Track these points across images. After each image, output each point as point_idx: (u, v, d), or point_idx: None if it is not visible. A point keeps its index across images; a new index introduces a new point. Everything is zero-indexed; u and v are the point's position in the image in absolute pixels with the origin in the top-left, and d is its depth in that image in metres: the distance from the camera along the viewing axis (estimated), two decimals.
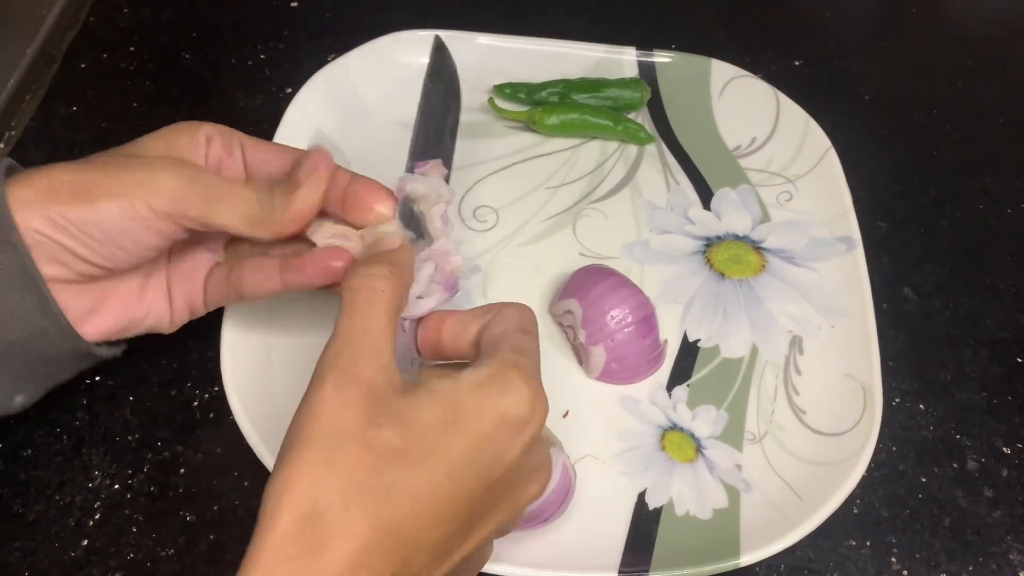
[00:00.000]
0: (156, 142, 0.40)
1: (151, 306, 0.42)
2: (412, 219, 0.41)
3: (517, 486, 0.33)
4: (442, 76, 0.49)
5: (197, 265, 0.43)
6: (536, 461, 0.34)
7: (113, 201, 0.36)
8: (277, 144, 0.43)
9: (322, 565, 0.27)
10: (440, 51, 0.50)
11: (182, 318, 0.43)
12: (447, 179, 0.43)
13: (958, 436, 0.49)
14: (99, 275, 0.39)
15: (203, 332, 0.48)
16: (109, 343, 0.42)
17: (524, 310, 0.37)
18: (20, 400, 0.40)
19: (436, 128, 0.45)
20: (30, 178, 0.37)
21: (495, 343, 0.35)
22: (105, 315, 0.40)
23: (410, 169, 0.42)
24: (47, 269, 0.37)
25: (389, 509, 0.28)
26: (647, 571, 0.41)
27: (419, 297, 0.38)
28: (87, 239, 0.36)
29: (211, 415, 0.47)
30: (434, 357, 0.38)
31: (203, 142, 0.41)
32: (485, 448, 0.31)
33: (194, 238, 0.42)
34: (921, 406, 0.50)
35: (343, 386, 0.30)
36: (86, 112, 0.59)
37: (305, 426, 0.30)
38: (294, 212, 0.39)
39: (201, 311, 0.44)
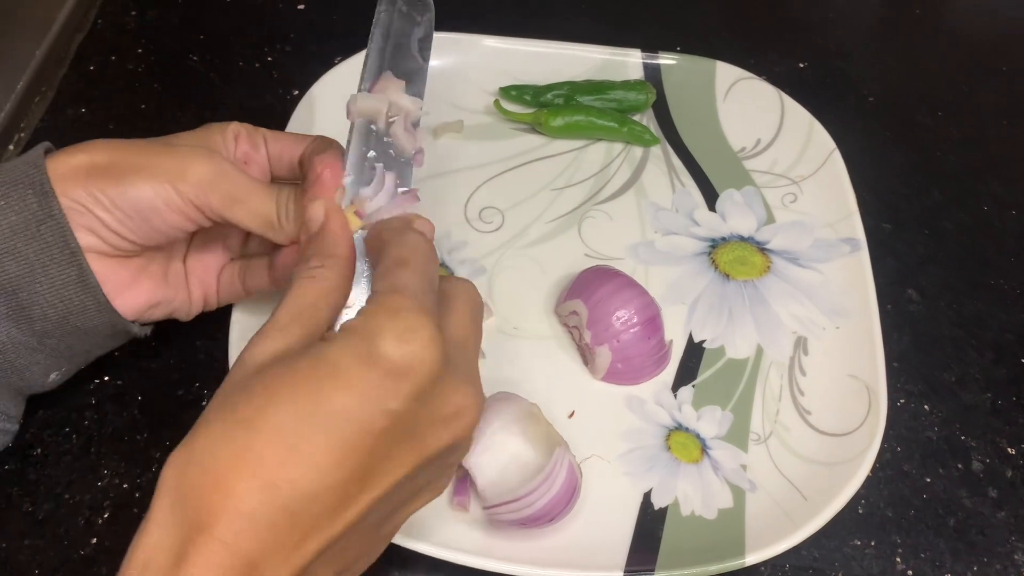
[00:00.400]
0: (192, 136, 0.41)
1: (175, 291, 0.43)
2: (372, 138, 0.40)
3: (418, 434, 0.31)
4: None
5: (213, 258, 0.45)
6: (445, 408, 0.32)
7: (145, 182, 0.38)
8: (293, 134, 0.44)
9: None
10: None
11: (197, 308, 0.45)
12: (418, 92, 0.42)
13: (963, 437, 0.49)
14: (130, 250, 0.40)
15: (210, 332, 0.49)
16: (140, 327, 0.43)
17: (411, 240, 0.35)
18: (55, 377, 0.42)
19: (395, 45, 0.44)
20: (70, 155, 0.38)
21: (377, 279, 0.34)
22: (137, 291, 0.41)
23: (366, 79, 0.41)
24: (83, 238, 0.38)
25: (264, 468, 0.28)
26: (652, 570, 0.41)
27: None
28: (120, 213, 0.38)
29: None
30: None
31: (231, 139, 0.42)
32: (364, 395, 0.29)
33: (213, 231, 0.43)
34: (926, 407, 0.50)
35: (266, 341, 0.32)
36: (94, 114, 0.59)
37: (232, 373, 0.31)
38: (300, 223, 0.39)
39: (213, 305, 0.45)
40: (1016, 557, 0.45)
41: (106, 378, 0.48)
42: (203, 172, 0.38)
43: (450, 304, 0.35)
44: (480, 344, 0.36)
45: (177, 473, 0.28)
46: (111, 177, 0.38)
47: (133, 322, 0.42)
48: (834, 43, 0.67)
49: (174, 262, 0.44)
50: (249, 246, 0.46)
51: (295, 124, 0.54)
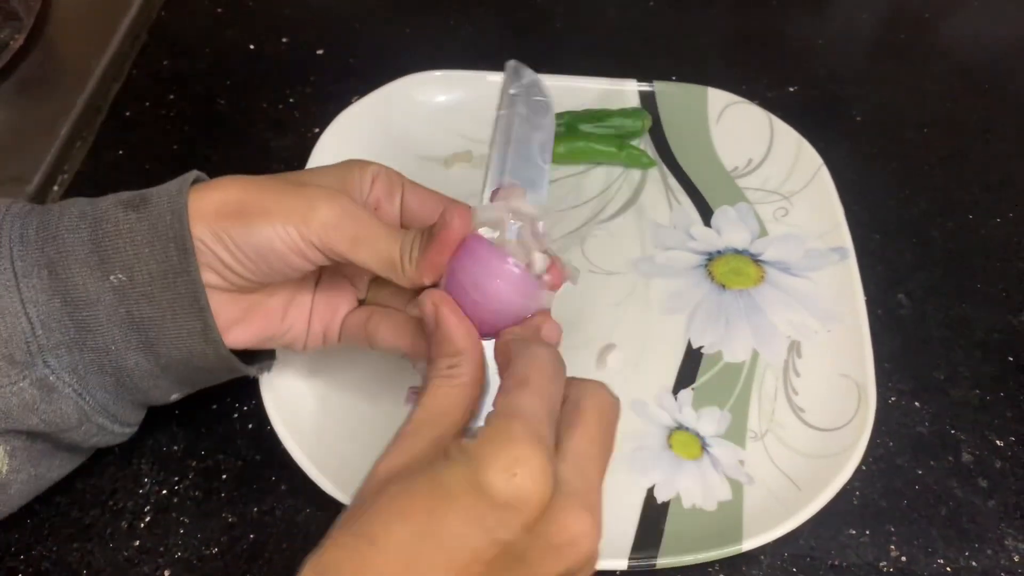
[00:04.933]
0: (328, 174, 0.42)
1: (292, 326, 0.44)
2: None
3: (528, 561, 0.31)
4: (518, 98, 0.47)
5: (341, 297, 0.45)
6: (559, 537, 0.31)
7: (269, 224, 0.38)
8: (432, 192, 0.44)
9: None
10: (515, 73, 0.48)
11: (316, 344, 0.45)
12: (540, 199, 0.43)
13: (953, 431, 0.52)
14: (250, 288, 0.41)
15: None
16: (260, 364, 0.46)
17: (535, 353, 0.35)
18: (175, 396, 0.45)
19: (516, 151, 0.45)
20: (205, 194, 0.40)
21: (498, 397, 0.34)
22: (248, 326, 0.43)
23: (488, 187, 0.42)
24: (205, 275, 0.40)
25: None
26: (655, 557, 0.44)
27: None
28: (240, 254, 0.39)
29: (250, 426, 0.50)
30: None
31: (369, 180, 0.43)
32: (468, 526, 0.30)
33: (341, 269, 0.44)
34: (916, 404, 0.53)
35: (392, 455, 0.33)
36: (131, 156, 0.63)
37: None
38: (424, 267, 0.39)
39: (335, 343, 0.46)
40: (1006, 542, 0.47)
41: None
42: (328, 215, 0.39)
43: (578, 416, 0.34)
44: (609, 459, 0.34)
45: None
46: (239, 218, 0.39)
47: (251, 364, 0.45)
48: (823, 68, 0.71)
49: (299, 297, 0.44)
50: (382, 293, 0.45)
51: (315, 160, 0.58)
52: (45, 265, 0.39)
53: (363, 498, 0.32)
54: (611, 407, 0.35)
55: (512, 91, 0.47)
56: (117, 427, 0.44)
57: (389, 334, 0.43)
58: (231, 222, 0.39)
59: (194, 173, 0.41)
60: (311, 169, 0.43)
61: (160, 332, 0.40)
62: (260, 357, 0.47)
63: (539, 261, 0.40)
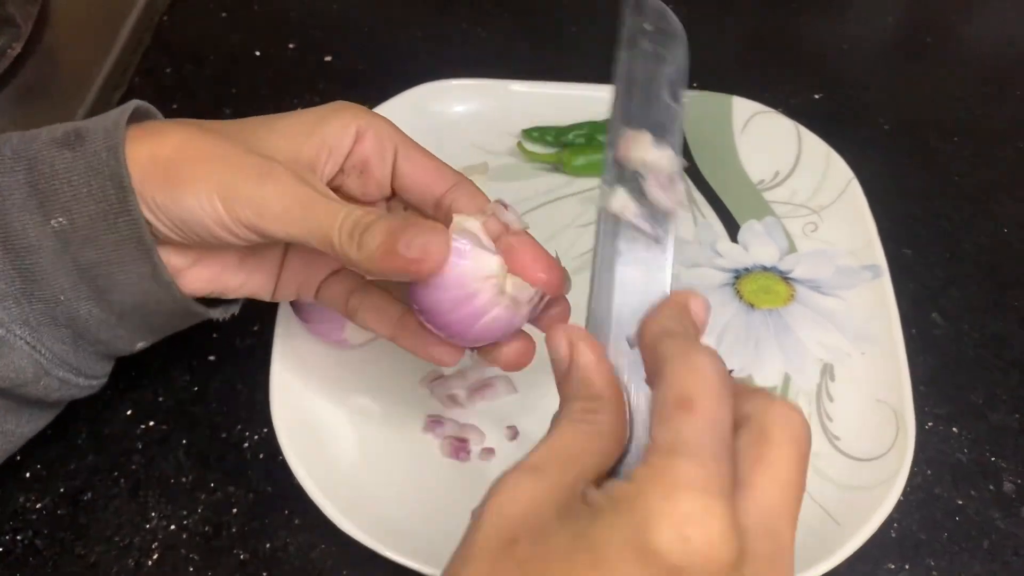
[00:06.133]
0: (294, 128, 0.39)
1: (248, 278, 0.42)
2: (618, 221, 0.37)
3: None
4: (640, 35, 0.41)
5: (320, 259, 0.42)
6: None
7: (192, 195, 0.36)
8: (431, 159, 0.41)
9: None
10: (636, 7, 0.42)
11: (287, 295, 0.43)
12: (672, 143, 0.37)
13: (993, 458, 0.50)
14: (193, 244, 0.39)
15: (251, 374, 0.50)
16: (223, 305, 0.43)
17: (700, 362, 0.27)
18: (141, 345, 0.43)
19: (642, 92, 0.39)
20: (140, 142, 0.37)
21: (652, 425, 0.27)
22: (200, 272, 0.40)
23: (611, 143, 0.37)
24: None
25: None
26: None
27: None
28: (168, 221, 0.37)
29: (261, 456, 0.48)
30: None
31: (352, 136, 0.39)
32: None
33: None
34: (954, 429, 0.51)
35: (513, 490, 0.27)
36: None
37: (474, 525, 0.27)
38: (383, 265, 0.35)
39: (309, 300, 0.43)
40: None
41: (151, 423, 0.49)
42: (256, 193, 0.35)
43: (767, 451, 0.26)
44: (799, 509, 0.27)
45: None
46: (165, 181, 0.36)
47: (211, 306, 0.42)
48: (848, 73, 0.69)
49: (267, 249, 0.41)
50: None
51: None
52: None
53: (477, 553, 0.26)
54: (806, 439, 0.27)
55: (631, 26, 0.41)
56: (82, 380, 0.42)
57: (371, 319, 0.41)
58: (157, 184, 0.36)
59: (134, 103, 0.39)
60: (281, 116, 0.39)
61: (109, 278, 0.38)
62: (222, 300, 0.43)
63: (511, 284, 0.37)
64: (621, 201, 0.36)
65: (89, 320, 0.39)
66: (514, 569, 0.25)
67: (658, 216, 0.36)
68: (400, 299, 0.42)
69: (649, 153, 0.36)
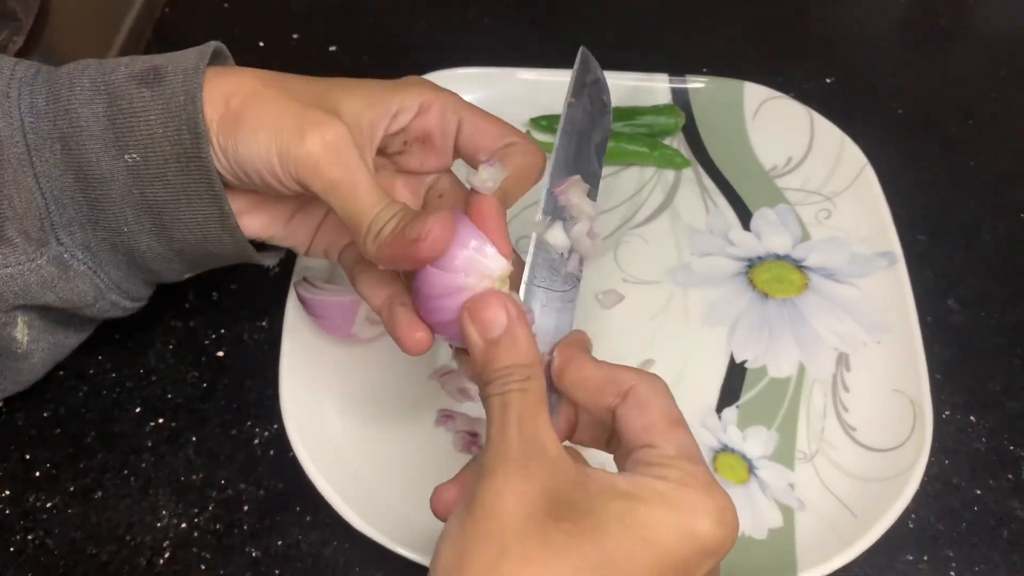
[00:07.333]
0: (362, 94, 0.39)
1: (293, 232, 0.43)
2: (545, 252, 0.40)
3: None
4: (587, 90, 0.44)
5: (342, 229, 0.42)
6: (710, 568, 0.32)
7: (253, 139, 0.36)
8: (492, 120, 0.41)
9: None
10: (585, 64, 0.45)
11: (316, 255, 0.44)
12: (592, 196, 0.41)
13: (1011, 447, 0.49)
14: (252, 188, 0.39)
15: (259, 371, 0.50)
16: (267, 251, 0.44)
17: (663, 390, 0.35)
18: (188, 275, 0.45)
19: (578, 144, 0.42)
20: (218, 79, 0.38)
21: (647, 438, 0.33)
22: (256, 219, 0.41)
23: (550, 188, 0.40)
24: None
25: None
26: None
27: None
28: (230, 164, 0.38)
29: (271, 452, 0.48)
30: (560, 391, 0.37)
31: (414, 110, 0.40)
32: (674, 567, 0.30)
33: None
34: (972, 418, 0.50)
35: (515, 481, 0.31)
36: None
37: (481, 523, 0.30)
38: (385, 256, 0.37)
39: (334, 260, 0.44)
40: None
41: (161, 420, 0.49)
42: (314, 149, 0.36)
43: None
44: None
45: None
46: (233, 122, 0.37)
47: (262, 250, 0.43)
48: (860, 57, 0.67)
49: (311, 206, 0.42)
50: None
51: None
52: (58, 139, 0.38)
53: (509, 543, 0.29)
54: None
55: (581, 82, 0.44)
56: (128, 303, 0.44)
57: (366, 286, 0.41)
58: (226, 128, 0.37)
59: (213, 45, 0.40)
60: (356, 80, 0.40)
61: (175, 217, 0.40)
62: (269, 246, 0.44)
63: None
64: (557, 236, 0.39)
65: (147, 253, 0.41)
66: (564, 540, 0.29)
67: (576, 257, 0.40)
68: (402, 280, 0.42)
69: (584, 201, 0.40)
